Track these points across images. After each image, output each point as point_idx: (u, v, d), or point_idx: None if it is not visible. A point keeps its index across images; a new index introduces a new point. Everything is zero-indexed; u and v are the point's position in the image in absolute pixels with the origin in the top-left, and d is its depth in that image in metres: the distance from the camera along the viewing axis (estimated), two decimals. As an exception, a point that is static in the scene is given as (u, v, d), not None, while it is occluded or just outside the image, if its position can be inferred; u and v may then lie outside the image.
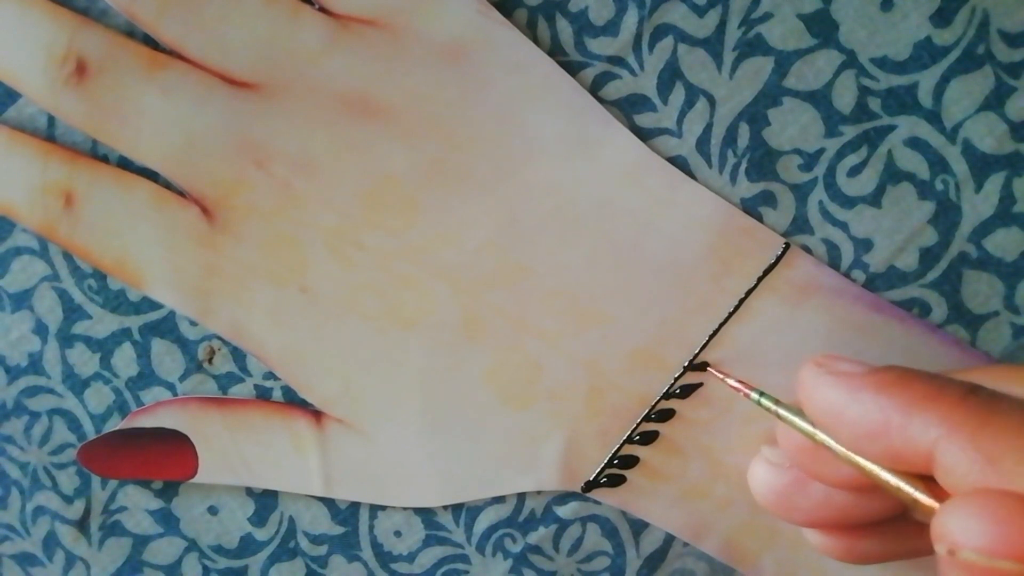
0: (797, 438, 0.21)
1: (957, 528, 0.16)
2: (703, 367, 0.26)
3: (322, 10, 0.26)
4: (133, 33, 0.26)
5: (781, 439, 0.22)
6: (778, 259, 0.26)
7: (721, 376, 0.24)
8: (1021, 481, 0.16)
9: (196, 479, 0.28)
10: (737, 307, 0.26)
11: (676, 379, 0.26)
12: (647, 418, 0.26)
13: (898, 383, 0.19)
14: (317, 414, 0.27)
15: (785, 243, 0.26)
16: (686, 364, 0.26)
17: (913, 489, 0.18)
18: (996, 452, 0.17)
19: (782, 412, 0.22)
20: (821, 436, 0.20)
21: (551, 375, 0.26)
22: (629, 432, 0.26)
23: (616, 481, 0.27)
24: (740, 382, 0.23)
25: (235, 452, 0.27)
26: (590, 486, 0.27)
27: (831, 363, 0.20)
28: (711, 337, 0.26)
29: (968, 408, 0.18)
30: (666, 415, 0.26)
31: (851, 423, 0.19)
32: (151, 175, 0.27)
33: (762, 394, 0.22)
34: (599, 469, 0.27)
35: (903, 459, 0.18)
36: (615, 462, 0.27)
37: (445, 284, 0.26)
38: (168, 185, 0.27)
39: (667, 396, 0.26)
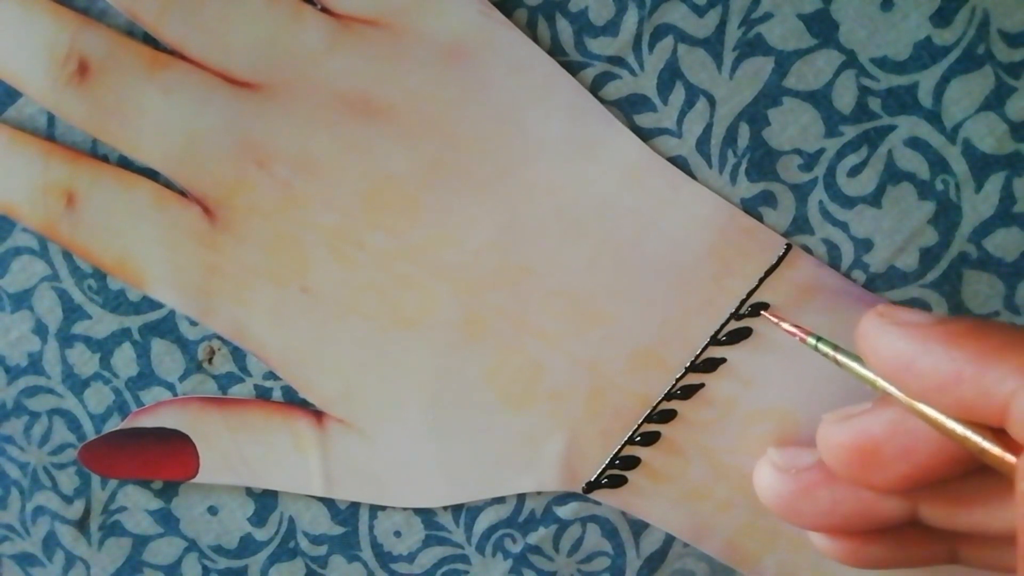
0: (838, 439, 0.21)
1: None
2: (758, 311, 0.26)
3: (323, 10, 0.26)
4: (134, 33, 0.26)
5: (820, 445, 0.21)
6: (780, 260, 0.25)
7: (776, 320, 0.24)
8: None
9: (197, 479, 0.28)
10: (739, 308, 0.26)
11: (677, 380, 0.26)
12: (648, 419, 0.26)
13: (971, 333, 0.18)
14: (318, 414, 0.27)
15: (787, 243, 0.26)
16: (687, 365, 0.26)
17: (983, 439, 0.18)
18: None
19: (841, 359, 0.21)
20: (883, 384, 0.20)
21: (552, 375, 0.26)
22: (630, 433, 0.26)
23: (617, 482, 0.27)
24: (796, 326, 0.23)
25: (236, 452, 0.27)
26: (591, 487, 0.27)
27: (895, 313, 0.20)
28: (713, 337, 0.26)
29: None
30: (667, 416, 0.26)
31: (921, 374, 0.19)
32: (152, 175, 0.27)
33: (819, 339, 0.22)
34: (600, 470, 0.27)
35: (975, 411, 0.18)
36: (616, 463, 0.27)
37: (446, 284, 0.26)
38: (169, 185, 0.27)
39: (668, 397, 0.26)
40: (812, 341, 0.22)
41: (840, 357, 0.21)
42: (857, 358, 0.21)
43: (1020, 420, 0.17)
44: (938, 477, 0.20)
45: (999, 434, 0.18)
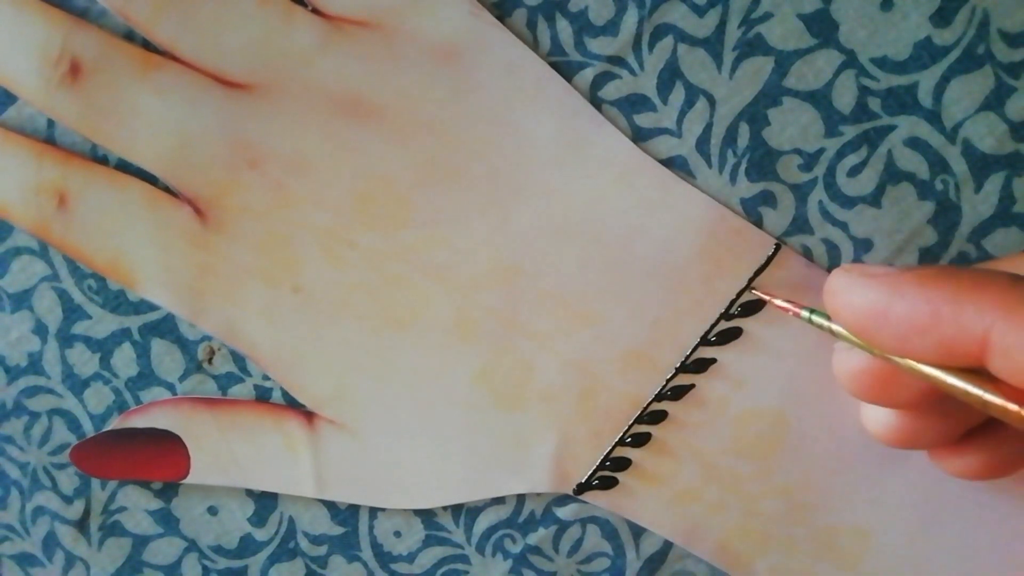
0: (853, 365, 0.21)
1: None
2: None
3: (315, 11, 0.26)
4: (127, 34, 0.26)
5: (837, 373, 0.22)
6: (769, 260, 0.25)
7: (767, 297, 0.24)
8: None
9: (188, 480, 0.28)
10: (729, 308, 0.26)
11: (668, 381, 0.26)
12: (639, 420, 0.26)
13: (943, 275, 0.19)
14: (309, 415, 0.27)
15: (776, 244, 0.25)
16: (678, 366, 0.26)
17: (983, 392, 0.18)
18: None
19: (836, 328, 0.21)
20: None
21: (543, 376, 0.26)
22: (621, 434, 0.26)
23: (608, 483, 0.27)
24: (788, 301, 0.23)
25: (227, 453, 0.27)
26: (582, 488, 0.27)
27: (861, 268, 0.20)
28: (703, 338, 0.26)
29: (1020, 291, 0.17)
30: (658, 417, 0.26)
31: (898, 320, 0.19)
32: (146, 176, 0.27)
33: (813, 311, 0.22)
34: (591, 471, 0.27)
35: (955, 350, 0.18)
36: (607, 464, 0.27)
37: (437, 284, 0.26)
38: (164, 187, 0.27)
39: (659, 398, 0.26)
40: (805, 314, 0.22)
41: (835, 327, 0.21)
42: None
43: (1000, 352, 0.17)
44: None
45: (981, 376, 0.18)
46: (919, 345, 0.19)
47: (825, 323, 0.22)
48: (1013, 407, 0.18)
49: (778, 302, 0.23)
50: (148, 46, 0.26)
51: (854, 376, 0.22)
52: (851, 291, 0.20)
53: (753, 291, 0.25)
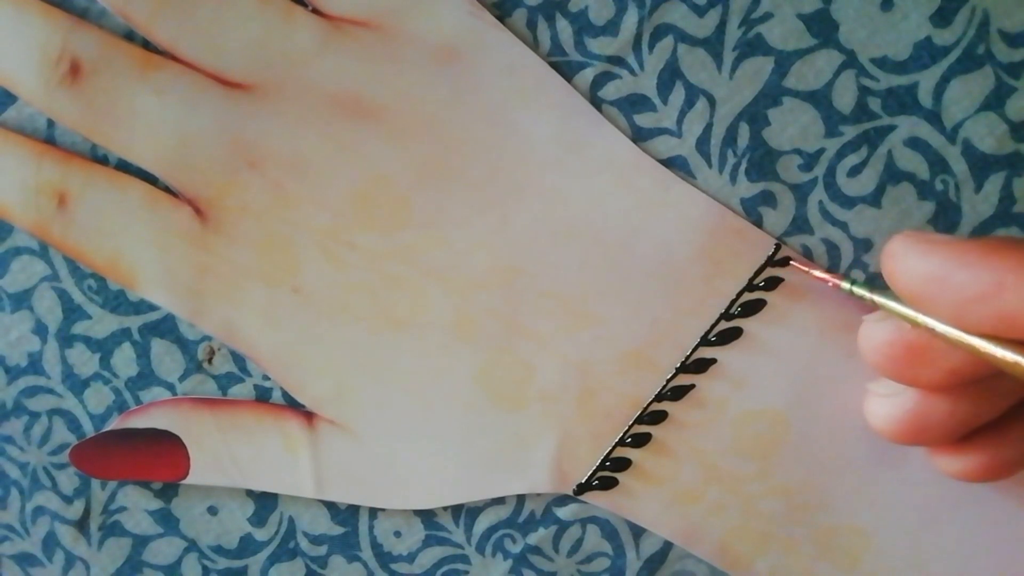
0: (884, 337, 0.21)
1: None
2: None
3: (315, 12, 0.26)
4: (127, 34, 0.26)
5: (865, 345, 0.21)
6: (769, 259, 0.25)
7: (805, 269, 0.25)
8: None
9: (188, 480, 0.28)
10: (729, 308, 0.26)
11: (668, 381, 0.26)
12: (639, 420, 0.26)
13: (1007, 245, 0.19)
14: (308, 415, 0.27)
15: (776, 244, 0.25)
16: (678, 366, 0.26)
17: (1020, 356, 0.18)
18: None
19: (878, 299, 0.21)
20: (924, 319, 0.20)
21: (543, 377, 0.26)
22: (621, 434, 0.26)
23: (608, 484, 0.27)
24: (827, 272, 0.23)
25: (226, 453, 0.27)
26: (582, 488, 0.27)
27: (922, 234, 0.20)
28: (703, 338, 0.26)
29: None
30: (658, 417, 0.26)
31: (959, 287, 0.19)
32: (146, 176, 0.27)
33: (854, 282, 0.22)
34: (591, 471, 0.27)
35: (1019, 320, 0.18)
36: (607, 464, 0.27)
37: (437, 285, 0.26)
38: (164, 187, 0.27)
39: (659, 398, 0.26)
40: (846, 285, 0.22)
41: (877, 298, 0.21)
42: (896, 297, 0.21)
43: None
44: (986, 371, 0.20)
45: None
46: (977, 314, 0.18)
47: (867, 294, 0.21)
48: None
49: (816, 273, 0.23)
50: (148, 46, 0.26)
51: (884, 347, 0.21)
52: (912, 256, 0.20)
53: (792, 263, 0.25)
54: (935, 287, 0.19)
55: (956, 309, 0.19)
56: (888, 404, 0.23)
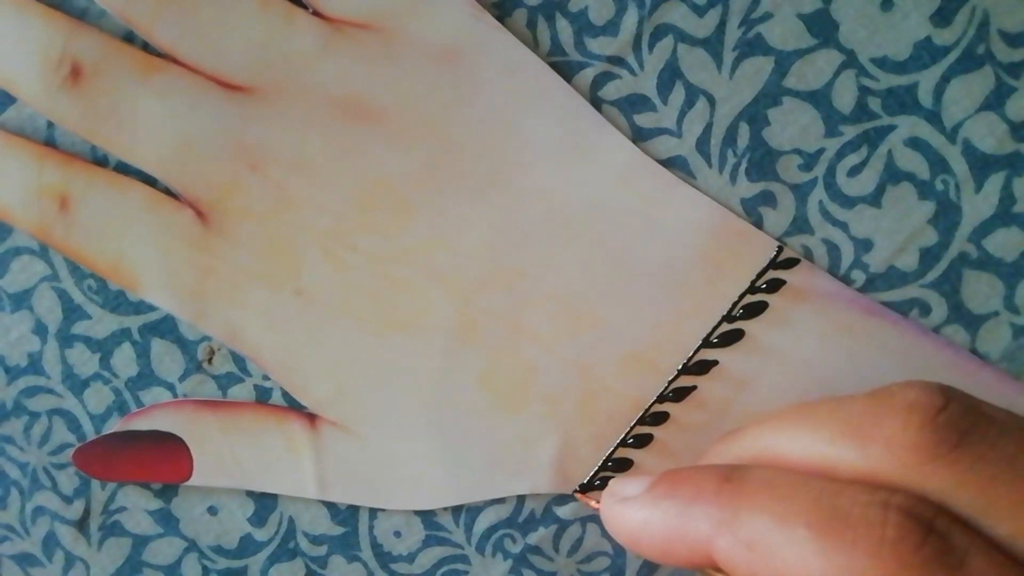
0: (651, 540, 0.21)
1: None
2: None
3: (316, 14, 0.26)
4: (128, 37, 0.26)
5: (631, 545, 0.22)
6: (771, 262, 0.26)
7: (586, 501, 0.25)
8: (776, 560, 0.17)
9: (191, 482, 0.28)
10: (731, 310, 0.26)
11: (670, 382, 0.26)
12: (641, 421, 0.26)
13: (667, 493, 0.20)
14: (311, 417, 0.27)
15: (778, 246, 0.26)
16: (680, 367, 0.26)
17: None
18: (751, 536, 0.17)
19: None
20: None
21: (545, 378, 0.26)
22: (623, 435, 0.26)
23: (610, 485, 0.27)
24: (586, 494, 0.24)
25: (229, 455, 0.27)
26: (584, 489, 0.27)
27: (618, 489, 0.21)
28: (705, 340, 0.26)
29: (723, 499, 0.18)
30: (660, 418, 0.26)
31: (648, 544, 0.20)
32: (148, 179, 0.27)
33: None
34: (593, 472, 0.27)
35: (697, 561, 0.18)
36: (609, 465, 0.27)
37: (439, 287, 0.26)
38: (166, 189, 0.27)
39: (661, 399, 0.26)
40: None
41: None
42: None
43: (723, 562, 0.18)
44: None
45: None
46: (676, 561, 0.19)
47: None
48: None
49: (593, 503, 0.24)
50: (149, 49, 0.26)
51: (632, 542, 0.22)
52: (610, 519, 0.21)
53: (576, 494, 0.26)
54: (640, 546, 0.20)
55: (662, 560, 0.20)
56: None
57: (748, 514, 0.18)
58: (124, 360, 0.28)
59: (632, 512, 0.20)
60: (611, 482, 0.21)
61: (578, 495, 0.26)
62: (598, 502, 0.24)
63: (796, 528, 0.17)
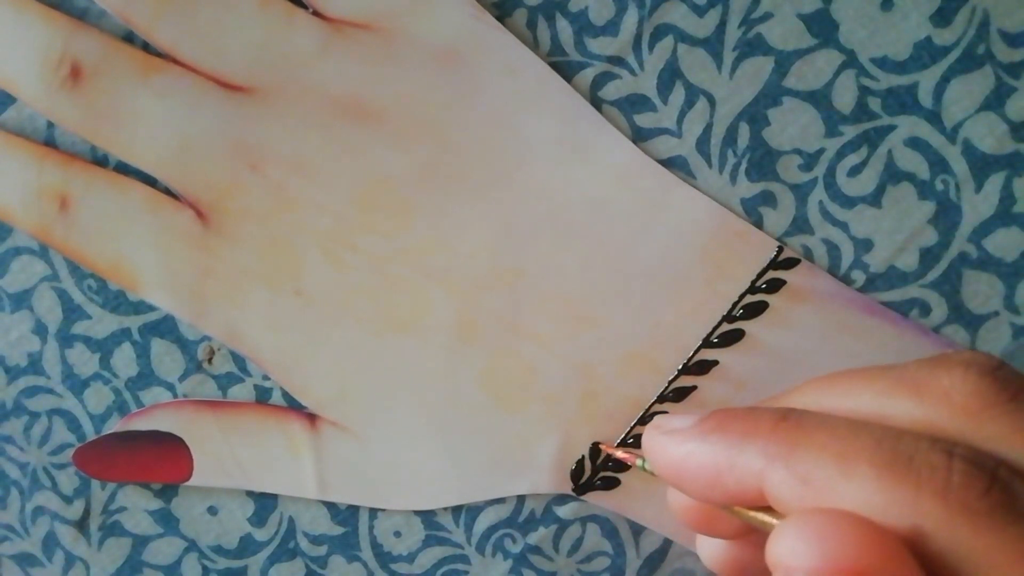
0: (681, 501, 0.21)
1: (785, 553, 0.16)
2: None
3: (316, 14, 0.26)
4: (128, 37, 0.26)
5: (670, 503, 0.22)
6: (771, 262, 0.26)
7: (611, 451, 0.25)
8: (833, 495, 0.17)
9: (191, 482, 0.28)
10: (731, 310, 0.26)
11: (670, 382, 0.26)
12: (641, 421, 0.26)
13: (718, 427, 0.19)
14: (311, 417, 0.27)
15: (778, 246, 0.26)
16: (680, 367, 0.26)
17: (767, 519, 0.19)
18: (808, 471, 0.17)
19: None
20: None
21: (545, 378, 0.26)
22: (623, 435, 0.26)
23: (610, 484, 0.27)
24: (626, 451, 0.23)
25: (229, 455, 0.27)
26: (584, 488, 0.27)
27: (664, 423, 0.21)
28: (705, 340, 0.26)
29: (780, 435, 0.18)
30: (660, 419, 0.26)
31: (692, 476, 0.19)
32: (147, 179, 0.27)
33: (645, 460, 0.23)
34: (593, 471, 0.27)
35: (742, 496, 0.18)
36: (609, 465, 0.27)
37: (439, 287, 0.26)
38: (165, 189, 0.27)
39: (661, 399, 0.26)
40: (640, 463, 0.23)
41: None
42: None
43: (773, 496, 0.18)
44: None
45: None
46: (716, 497, 0.19)
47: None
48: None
49: (618, 454, 0.24)
50: (148, 49, 0.26)
51: (684, 511, 0.22)
52: (652, 450, 0.20)
53: (601, 446, 0.26)
54: (678, 478, 0.20)
55: (700, 495, 0.19)
56: (711, 545, 0.23)
57: (805, 450, 0.17)
58: (124, 360, 0.28)
59: (678, 444, 0.20)
60: (656, 417, 0.21)
61: (603, 445, 0.26)
62: (625, 452, 0.23)
63: (858, 465, 0.17)
